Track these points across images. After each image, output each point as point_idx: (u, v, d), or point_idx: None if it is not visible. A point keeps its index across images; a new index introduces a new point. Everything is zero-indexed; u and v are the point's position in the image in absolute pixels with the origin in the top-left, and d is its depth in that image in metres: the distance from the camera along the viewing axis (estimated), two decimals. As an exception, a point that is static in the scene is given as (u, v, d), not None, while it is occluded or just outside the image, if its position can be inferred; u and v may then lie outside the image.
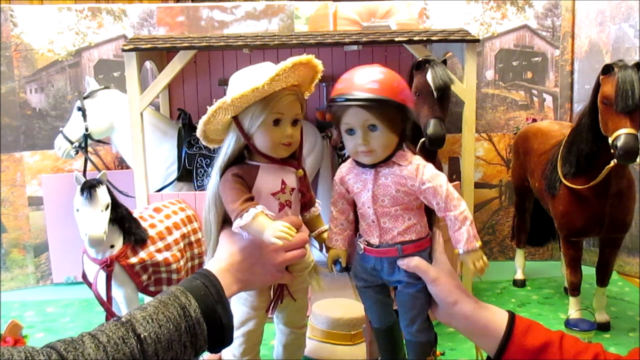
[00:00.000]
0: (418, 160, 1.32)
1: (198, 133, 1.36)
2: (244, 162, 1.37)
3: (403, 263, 1.29)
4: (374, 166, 1.33)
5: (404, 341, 1.47)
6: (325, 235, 1.45)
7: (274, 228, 1.23)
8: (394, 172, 1.31)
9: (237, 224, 1.26)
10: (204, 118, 1.31)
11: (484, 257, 1.27)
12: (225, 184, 1.32)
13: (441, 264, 1.27)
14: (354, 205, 1.41)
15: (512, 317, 1.08)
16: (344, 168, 1.41)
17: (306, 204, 1.44)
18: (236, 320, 1.44)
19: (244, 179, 1.32)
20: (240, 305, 1.46)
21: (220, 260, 1.25)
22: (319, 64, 1.35)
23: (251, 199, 1.30)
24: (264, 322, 1.51)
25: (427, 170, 1.30)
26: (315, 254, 1.60)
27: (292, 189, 1.38)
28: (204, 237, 1.47)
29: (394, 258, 1.32)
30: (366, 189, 1.33)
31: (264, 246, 1.26)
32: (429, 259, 1.32)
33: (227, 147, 1.35)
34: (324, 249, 1.46)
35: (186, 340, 1.00)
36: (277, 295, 1.46)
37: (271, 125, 1.31)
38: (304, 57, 1.29)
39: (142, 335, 0.94)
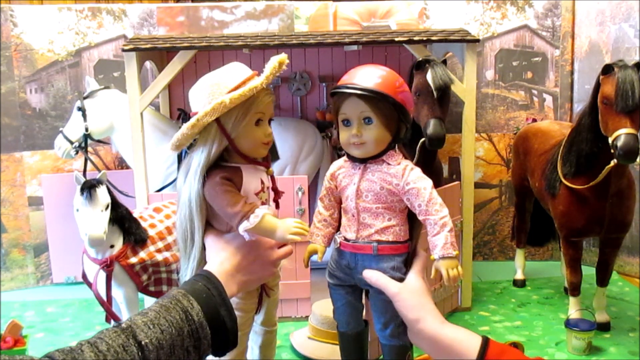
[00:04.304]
0: (407, 162, 1.34)
1: (177, 137, 1.34)
2: (221, 165, 1.36)
3: (366, 275, 1.30)
4: (364, 161, 1.35)
5: (379, 345, 1.46)
6: None
7: (287, 225, 1.24)
8: (382, 169, 1.33)
9: (244, 226, 1.25)
10: (191, 121, 1.30)
11: (459, 268, 1.26)
12: (215, 187, 1.30)
13: (408, 282, 1.25)
14: (340, 203, 1.43)
15: (485, 340, 1.05)
16: (336, 164, 1.43)
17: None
18: None
19: (233, 181, 1.32)
20: None
21: (220, 262, 1.24)
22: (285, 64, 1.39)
23: (246, 201, 1.31)
24: (252, 325, 1.51)
25: (414, 172, 1.32)
26: None
27: (268, 188, 1.40)
28: (177, 244, 1.46)
29: (368, 256, 1.33)
30: (352, 183, 1.35)
31: (260, 244, 1.27)
32: (404, 266, 1.32)
33: (208, 151, 1.33)
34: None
35: (189, 344, 0.98)
36: (262, 294, 1.47)
37: (253, 125, 1.32)
38: (283, 56, 1.32)
39: (143, 342, 0.92)
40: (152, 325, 0.95)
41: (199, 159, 1.34)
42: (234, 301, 1.44)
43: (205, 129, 1.33)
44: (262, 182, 1.38)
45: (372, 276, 1.28)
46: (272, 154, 1.56)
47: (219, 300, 1.07)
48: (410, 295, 1.20)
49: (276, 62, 1.29)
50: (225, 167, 1.35)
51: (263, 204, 1.37)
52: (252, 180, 1.36)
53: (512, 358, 1.01)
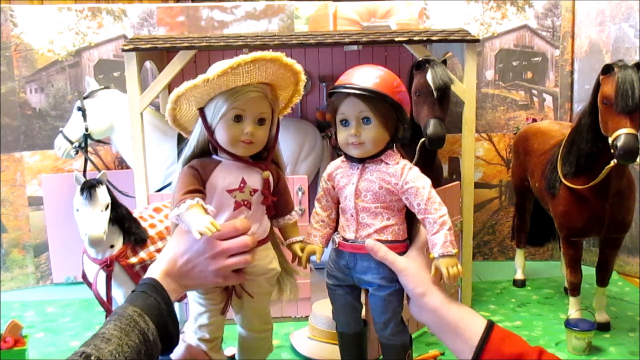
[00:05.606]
0: (405, 161, 1.35)
1: (169, 121, 1.36)
2: (208, 156, 1.35)
3: (369, 246, 1.29)
4: (362, 161, 1.35)
5: (379, 345, 1.46)
6: (296, 246, 1.42)
7: (199, 222, 1.19)
8: (380, 169, 1.33)
9: (173, 213, 1.25)
10: (167, 106, 1.30)
11: (459, 266, 1.25)
12: (179, 175, 1.30)
13: (413, 257, 1.27)
14: (337, 204, 1.42)
15: (490, 324, 1.07)
16: (333, 165, 1.43)
17: (280, 209, 1.42)
18: (191, 316, 1.43)
19: (198, 172, 1.30)
20: (192, 302, 1.43)
21: (162, 262, 1.26)
22: (292, 63, 1.30)
23: (197, 191, 1.27)
24: (220, 318, 1.45)
25: (412, 171, 1.33)
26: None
27: (254, 190, 1.35)
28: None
29: (367, 256, 1.33)
30: (351, 183, 1.35)
31: (200, 252, 1.25)
32: None
33: (193, 139, 1.34)
34: (297, 260, 1.44)
35: None
36: (230, 294, 1.42)
37: (232, 120, 1.29)
38: (267, 54, 1.25)
39: None
40: (117, 354, 1.02)
41: (186, 148, 1.35)
42: (194, 293, 1.41)
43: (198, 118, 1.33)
44: (244, 182, 1.33)
45: (379, 250, 1.28)
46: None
47: (166, 311, 1.16)
48: (418, 270, 1.23)
49: (249, 57, 1.21)
50: (205, 159, 1.34)
51: (238, 204, 1.33)
52: (226, 176, 1.32)
53: (515, 344, 1.03)
